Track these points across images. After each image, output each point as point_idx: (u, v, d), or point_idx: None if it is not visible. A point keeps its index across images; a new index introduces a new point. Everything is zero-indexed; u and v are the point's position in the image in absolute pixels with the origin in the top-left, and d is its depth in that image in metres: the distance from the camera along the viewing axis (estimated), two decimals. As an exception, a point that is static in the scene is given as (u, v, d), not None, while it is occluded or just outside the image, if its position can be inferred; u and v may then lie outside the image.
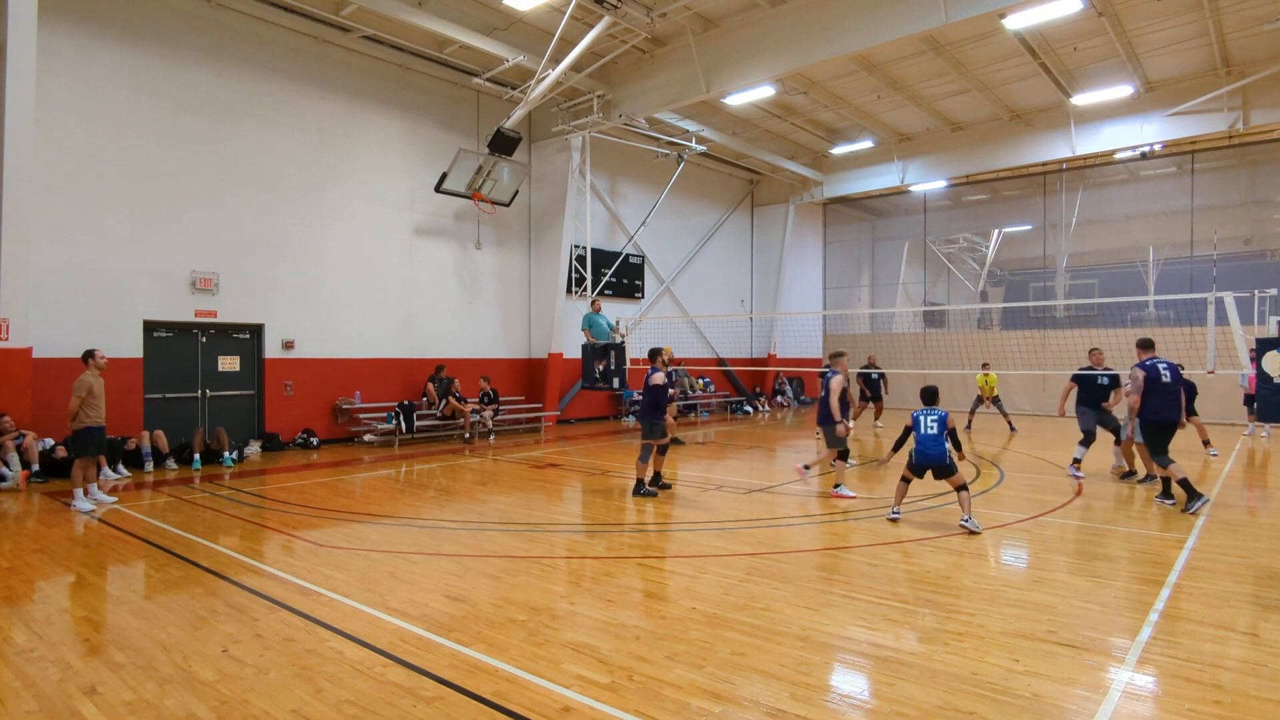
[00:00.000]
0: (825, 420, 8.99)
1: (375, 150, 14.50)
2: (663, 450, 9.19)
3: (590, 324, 14.78)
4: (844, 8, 12.15)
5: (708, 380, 22.12)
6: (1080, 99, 16.42)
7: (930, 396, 7.92)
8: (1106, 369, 10.36)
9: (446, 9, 13.01)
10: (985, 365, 17.08)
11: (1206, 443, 12.08)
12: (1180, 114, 16.08)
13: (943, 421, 7.54)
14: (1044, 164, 19.94)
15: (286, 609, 4.90)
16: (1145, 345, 8.59)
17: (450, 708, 3.52)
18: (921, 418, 7.62)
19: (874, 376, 16.96)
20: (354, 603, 5.02)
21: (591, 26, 12.58)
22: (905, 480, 7.79)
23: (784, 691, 3.69)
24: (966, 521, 7.26)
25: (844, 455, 8.98)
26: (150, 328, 11.64)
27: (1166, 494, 8.30)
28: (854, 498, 8.66)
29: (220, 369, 12.54)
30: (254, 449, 12.38)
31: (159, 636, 4.42)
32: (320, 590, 5.29)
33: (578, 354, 15.53)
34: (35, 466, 9.63)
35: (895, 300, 26.40)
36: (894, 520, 7.56)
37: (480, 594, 5.23)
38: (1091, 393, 10.20)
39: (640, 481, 9.00)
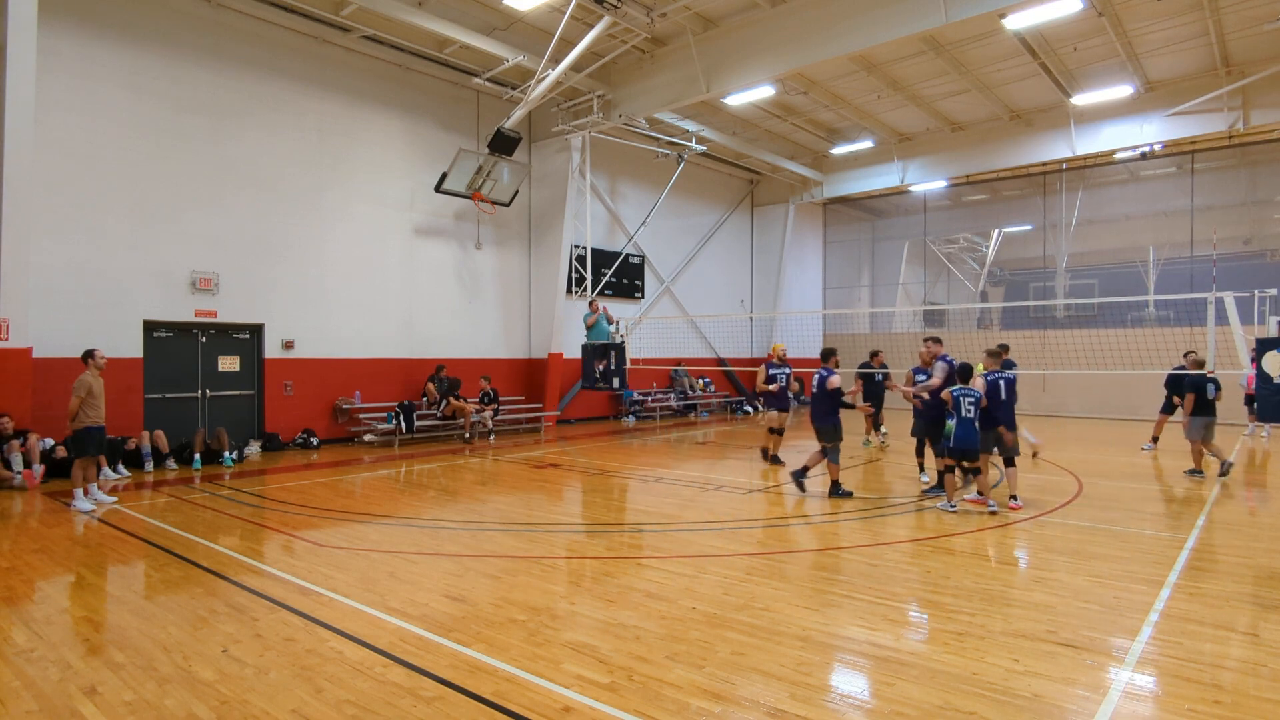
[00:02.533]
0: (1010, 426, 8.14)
1: (375, 150, 14.50)
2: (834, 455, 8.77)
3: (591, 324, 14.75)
4: (844, 8, 12.15)
5: (708, 380, 22.11)
6: (1080, 99, 16.41)
7: (967, 374, 7.52)
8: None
9: (446, 9, 13.01)
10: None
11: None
12: (1180, 114, 16.07)
13: (978, 403, 7.28)
14: (1044, 164, 19.92)
15: (286, 609, 4.90)
16: (999, 353, 8.42)
17: (450, 708, 3.52)
18: (961, 399, 7.29)
19: (877, 378, 16.78)
20: (354, 603, 5.02)
21: (591, 26, 12.58)
22: (950, 470, 7.52)
23: (784, 691, 3.69)
24: (1014, 501, 7.31)
25: (1009, 462, 8.15)
26: (150, 328, 11.64)
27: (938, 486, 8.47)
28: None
29: (220, 369, 12.54)
30: (254, 449, 12.38)
31: (159, 636, 4.42)
32: (320, 590, 5.29)
33: (578, 354, 15.53)
34: (38, 466, 9.63)
35: (895, 300, 26.38)
36: (954, 511, 7.43)
37: (480, 594, 5.23)
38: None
39: (835, 483, 8.71)
